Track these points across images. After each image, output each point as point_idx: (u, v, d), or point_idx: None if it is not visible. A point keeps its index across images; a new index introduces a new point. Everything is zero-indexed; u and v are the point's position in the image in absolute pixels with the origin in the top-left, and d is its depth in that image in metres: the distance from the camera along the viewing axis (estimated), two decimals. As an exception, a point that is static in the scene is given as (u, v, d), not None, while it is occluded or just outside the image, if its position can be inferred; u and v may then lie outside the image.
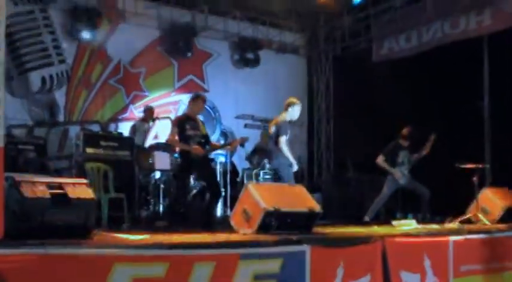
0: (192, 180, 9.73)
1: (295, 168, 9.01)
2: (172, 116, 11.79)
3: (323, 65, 14.80)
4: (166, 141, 8.72)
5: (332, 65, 14.71)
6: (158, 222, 7.93)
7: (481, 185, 9.53)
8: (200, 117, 8.93)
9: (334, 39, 14.59)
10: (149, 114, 10.74)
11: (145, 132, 10.67)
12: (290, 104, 9.09)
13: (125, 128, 11.36)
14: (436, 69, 11.74)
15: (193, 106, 8.71)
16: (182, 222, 8.13)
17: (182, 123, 8.45)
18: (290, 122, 9.08)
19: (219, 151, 11.22)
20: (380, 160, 10.03)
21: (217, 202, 9.96)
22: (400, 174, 9.94)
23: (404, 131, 10.12)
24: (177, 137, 8.37)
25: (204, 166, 8.62)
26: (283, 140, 8.92)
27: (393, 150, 10.06)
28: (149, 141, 11.00)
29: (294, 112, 9.09)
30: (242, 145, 11.25)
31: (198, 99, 8.76)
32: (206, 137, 8.70)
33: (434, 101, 11.44)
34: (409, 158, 10.06)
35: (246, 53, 13.38)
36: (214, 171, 9.51)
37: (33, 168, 8.79)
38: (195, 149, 8.28)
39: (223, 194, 10.07)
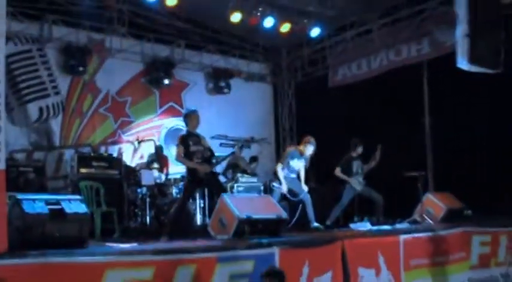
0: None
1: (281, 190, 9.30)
2: (156, 139, 11.81)
3: (286, 91, 14.86)
4: (176, 159, 8.38)
5: (294, 91, 14.77)
6: (163, 237, 7.57)
7: (425, 190, 9.62)
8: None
9: (295, 68, 14.67)
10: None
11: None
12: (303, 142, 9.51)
13: (114, 151, 11.31)
14: (384, 91, 11.88)
15: (190, 122, 8.23)
16: (180, 232, 7.82)
17: (186, 141, 8.03)
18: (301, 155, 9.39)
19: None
20: (337, 171, 10.09)
21: None
22: (357, 182, 10.01)
23: (352, 143, 10.23)
24: (183, 155, 7.94)
25: (211, 181, 8.23)
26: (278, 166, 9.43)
27: (347, 161, 10.13)
28: (135, 161, 10.93)
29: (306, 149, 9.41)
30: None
31: (189, 114, 8.31)
32: (210, 150, 8.27)
33: (383, 119, 11.55)
34: (362, 167, 10.15)
35: (219, 82, 13.38)
36: (220, 182, 8.94)
37: (33, 188, 8.69)
38: (201, 167, 7.92)
39: (201, 205, 9.98)
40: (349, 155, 10.19)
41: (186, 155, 7.97)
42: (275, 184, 9.61)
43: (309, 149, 9.41)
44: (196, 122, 8.25)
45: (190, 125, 8.23)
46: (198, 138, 8.14)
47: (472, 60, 8.78)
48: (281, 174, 9.36)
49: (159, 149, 11.03)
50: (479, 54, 8.94)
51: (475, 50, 8.78)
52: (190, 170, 8.06)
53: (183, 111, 8.40)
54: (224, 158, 9.34)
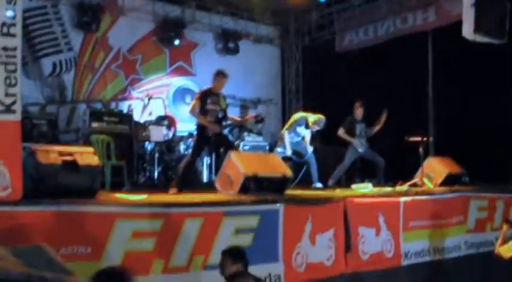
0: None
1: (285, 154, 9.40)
2: (164, 97, 11.76)
3: (293, 54, 14.73)
4: (189, 112, 8.27)
5: (301, 54, 14.65)
6: (171, 190, 7.58)
7: (426, 154, 9.57)
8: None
9: (303, 33, 14.52)
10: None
11: None
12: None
13: (124, 107, 11.29)
14: (390, 57, 11.75)
15: (216, 81, 8.07)
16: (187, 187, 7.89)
17: (204, 97, 7.92)
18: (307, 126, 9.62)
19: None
20: (341, 132, 10.03)
21: None
22: (359, 144, 9.97)
23: (355, 105, 10.17)
24: (197, 110, 7.86)
25: (219, 139, 8.16)
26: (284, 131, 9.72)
27: (350, 123, 10.07)
28: (144, 118, 10.89)
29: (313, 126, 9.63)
30: (259, 121, 11.12)
31: (219, 75, 8.10)
32: (225, 112, 8.19)
33: (387, 84, 11.43)
34: (365, 130, 10.10)
35: (227, 43, 13.27)
36: (229, 141, 8.84)
37: (46, 140, 8.66)
38: (212, 126, 7.85)
39: (208, 162, 9.96)
40: (352, 117, 10.14)
41: (200, 111, 7.91)
42: (278, 149, 9.67)
43: (315, 127, 9.65)
44: (222, 84, 8.15)
45: (216, 84, 8.12)
46: (217, 98, 8.06)
47: (477, 30, 8.70)
48: (287, 138, 9.53)
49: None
50: (484, 24, 8.84)
51: (480, 20, 8.68)
52: (200, 127, 8.02)
53: (216, 70, 8.23)
54: (235, 125, 9.37)
